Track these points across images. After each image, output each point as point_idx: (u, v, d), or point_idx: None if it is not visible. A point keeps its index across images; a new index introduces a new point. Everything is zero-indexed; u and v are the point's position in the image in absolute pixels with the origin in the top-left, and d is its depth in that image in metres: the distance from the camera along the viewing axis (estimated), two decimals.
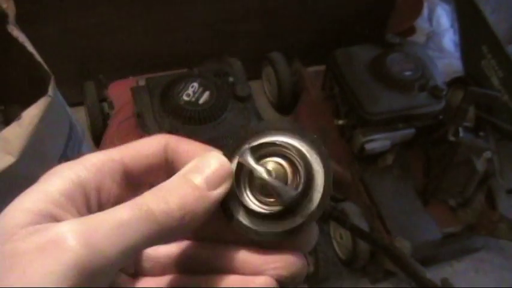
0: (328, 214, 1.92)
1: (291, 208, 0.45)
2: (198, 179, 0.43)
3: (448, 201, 2.28)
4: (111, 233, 0.37)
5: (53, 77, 1.44)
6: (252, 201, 0.46)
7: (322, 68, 2.48)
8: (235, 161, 0.46)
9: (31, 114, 1.29)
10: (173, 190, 0.42)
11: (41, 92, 1.38)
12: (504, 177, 2.38)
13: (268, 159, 0.46)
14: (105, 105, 2.29)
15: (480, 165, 2.16)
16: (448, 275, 2.26)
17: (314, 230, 0.49)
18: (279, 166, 0.46)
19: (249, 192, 0.47)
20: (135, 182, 0.48)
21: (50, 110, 1.35)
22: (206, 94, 1.92)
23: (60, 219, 0.39)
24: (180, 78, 1.97)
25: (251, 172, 0.46)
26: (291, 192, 0.44)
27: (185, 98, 1.91)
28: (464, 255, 2.38)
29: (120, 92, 2.19)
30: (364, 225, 2.03)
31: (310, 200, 0.45)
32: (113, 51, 2.46)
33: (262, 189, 0.46)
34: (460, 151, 2.14)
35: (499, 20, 2.58)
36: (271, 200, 0.46)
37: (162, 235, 0.40)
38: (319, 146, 0.46)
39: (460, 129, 2.14)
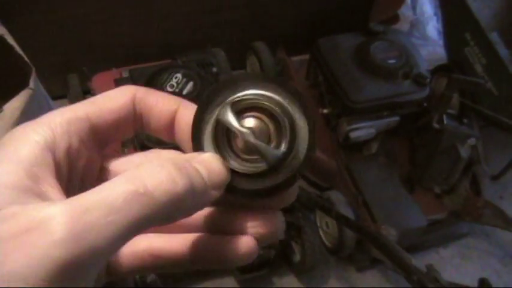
0: (314, 203, 1.93)
1: (275, 167, 0.43)
2: (203, 172, 0.40)
3: (434, 188, 2.30)
4: (104, 223, 0.32)
5: (34, 70, 1.43)
6: (233, 160, 0.44)
7: (306, 57, 2.48)
8: (213, 116, 0.43)
9: (12, 107, 1.29)
10: (182, 170, 0.38)
11: (22, 85, 1.37)
12: (488, 164, 2.40)
13: (248, 113, 0.44)
14: (89, 97, 2.27)
15: (464, 152, 2.17)
16: (435, 261, 2.27)
17: (294, 186, 0.45)
18: (260, 122, 0.44)
19: (229, 150, 0.44)
20: (103, 139, 0.44)
21: (31, 103, 1.34)
22: (190, 85, 1.91)
23: (39, 194, 0.35)
24: (163, 69, 1.96)
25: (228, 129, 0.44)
26: (276, 152, 0.42)
27: (169, 89, 1.90)
28: (450, 241, 2.40)
29: (104, 83, 2.17)
30: (350, 214, 2.04)
31: (295, 156, 0.43)
32: (96, 43, 2.45)
33: (245, 148, 0.44)
34: (445, 138, 2.15)
35: (482, 7, 2.59)
36: (254, 157, 0.44)
37: (159, 216, 0.36)
38: (300, 98, 0.44)
39: (444, 117, 2.16)
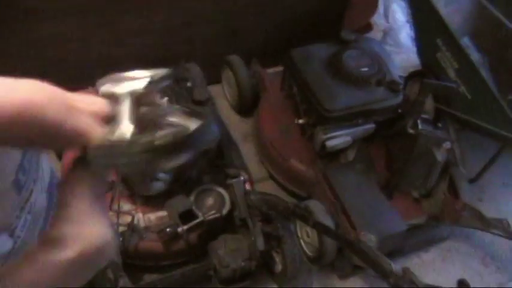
0: (292, 212, 1.93)
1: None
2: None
3: (412, 193, 2.32)
4: None
5: None
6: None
7: (280, 68, 2.50)
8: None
9: None
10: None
11: None
12: (466, 166, 2.42)
13: None
14: None
15: (440, 155, 2.19)
16: (416, 265, 2.29)
17: None
18: None
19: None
20: None
21: None
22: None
23: None
24: None
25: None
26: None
27: None
28: (430, 245, 2.41)
29: None
30: (329, 222, 2.05)
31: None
32: (71, 61, 2.45)
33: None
34: (420, 143, 2.17)
35: (453, 13, 2.62)
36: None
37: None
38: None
39: (419, 122, 2.18)
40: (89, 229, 0.48)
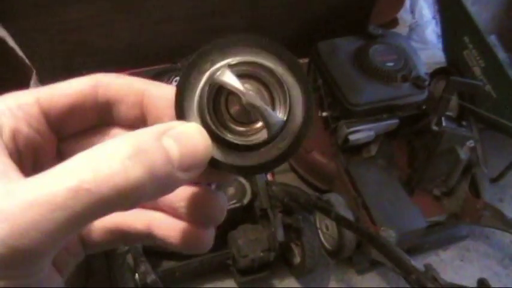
0: (314, 205, 1.93)
1: (275, 136, 0.39)
2: (174, 151, 0.35)
3: (433, 191, 2.31)
4: (45, 220, 0.31)
5: (34, 72, 1.45)
6: (227, 132, 0.39)
7: (306, 60, 2.49)
8: (200, 82, 0.39)
9: None
10: (139, 155, 0.34)
11: (23, 87, 1.38)
12: (488, 166, 2.41)
13: (242, 80, 0.38)
14: None
15: (463, 154, 2.18)
16: (435, 263, 2.26)
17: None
18: (256, 89, 0.39)
19: (217, 121, 0.39)
20: (58, 124, 0.41)
21: None
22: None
23: None
24: (163, 73, 1.97)
25: (217, 94, 0.39)
26: (279, 119, 0.38)
27: None
28: (449, 243, 2.41)
29: None
30: (349, 216, 2.05)
31: (288, 131, 0.39)
32: (97, 46, 2.46)
33: (239, 116, 0.40)
34: (444, 140, 2.16)
35: (480, 11, 2.61)
36: (245, 128, 0.40)
37: (98, 212, 0.33)
38: (297, 67, 0.40)
39: (443, 119, 2.16)
40: None
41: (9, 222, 0.30)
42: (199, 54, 0.39)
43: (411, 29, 3.02)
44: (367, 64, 2.19)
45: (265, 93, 0.39)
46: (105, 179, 0.32)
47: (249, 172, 0.40)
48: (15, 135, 0.38)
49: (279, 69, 0.39)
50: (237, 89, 0.37)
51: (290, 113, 0.39)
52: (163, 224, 0.44)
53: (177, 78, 1.92)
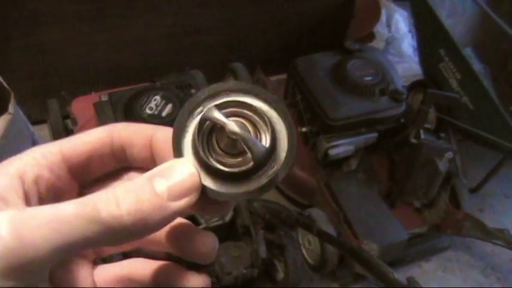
0: (295, 220, 1.94)
1: (259, 166, 0.42)
2: (162, 186, 0.40)
3: (413, 203, 2.32)
4: (46, 227, 0.35)
5: (12, 94, 1.44)
6: (216, 162, 0.43)
7: (284, 76, 2.51)
8: (194, 123, 0.43)
9: None
10: (130, 193, 0.39)
11: (1, 110, 1.38)
12: (467, 177, 2.43)
13: (229, 118, 0.43)
14: (69, 121, 2.28)
15: (442, 165, 2.20)
16: (417, 275, 2.28)
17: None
18: (242, 125, 0.43)
19: (211, 152, 0.43)
20: (81, 173, 0.46)
21: (11, 128, 1.35)
22: (169, 106, 1.93)
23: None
24: (142, 92, 1.97)
25: (210, 133, 0.43)
26: (263, 146, 0.42)
27: (148, 111, 1.91)
28: (432, 255, 2.42)
29: (83, 107, 2.18)
30: (331, 230, 2.05)
31: (276, 159, 0.43)
32: (74, 67, 2.46)
33: (228, 148, 0.43)
34: (423, 153, 2.18)
35: (455, 24, 2.63)
36: (236, 160, 0.43)
37: (108, 238, 0.38)
38: (279, 104, 0.44)
39: (422, 132, 2.19)
40: None
41: (16, 232, 0.35)
42: (192, 99, 0.44)
43: (388, 42, 3.05)
44: (345, 79, 2.20)
45: (251, 129, 0.43)
46: (105, 208, 0.38)
47: (240, 198, 0.43)
48: (37, 180, 0.42)
49: (263, 107, 0.44)
50: (220, 120, 0.41)
51: (275, 144, 0.43)
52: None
53: (156, 97, 1.93)
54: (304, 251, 2.24)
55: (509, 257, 2.41)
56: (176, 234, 0.48)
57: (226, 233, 2.03)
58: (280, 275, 2.09)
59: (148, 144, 0.47)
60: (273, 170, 0.43)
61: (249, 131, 0.43)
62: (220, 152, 0.44)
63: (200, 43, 2.60)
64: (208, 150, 0.43)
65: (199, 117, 0.43)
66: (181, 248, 0.48)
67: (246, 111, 0.44)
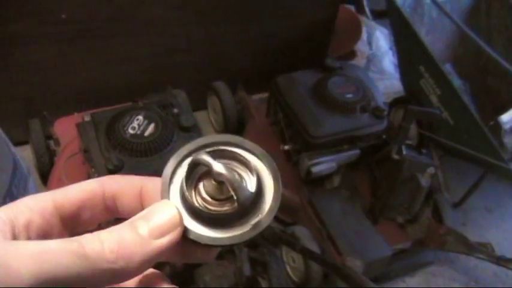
0: (279, 238, 1.94)
1: (244, 210, 0.43)
2: (143, 227, 0.42)
3: (396, 219, 2.33)
4: (29, 257, 0.36)
5: None
6: (201, 203, 0.45)
7: (266, 95, 2.53)
8: (183, 170, 0.45)
9: None
10: (114, 233, 0.41)
11: None
12: (449, 192, 2.45)
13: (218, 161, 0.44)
14: (51, 142, 2.28)
15: (424, 181, 2.21)
16: None
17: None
18: (229, 168, 0.44)
19: (197, 195, 0.45)
20: (72, 222, 0.47)
21: None
22: (151, 126, 1.93)
23: None
24: (124, 112, 1.97)
25: (198, 179, 0.45)
26: (248, 190, 0.43)
27: (130, 131, 1.92)
28: (416, 270, 2.43)
29: (65, 128, 2.18)
30: (315, 248, 2.05)
31: (259, 209, 0.44)
32: (56, 88, 2.45)
33: (215, 191, 0.45)
34: (405, 169, 2.19)
35: (435, 40, 2.67)
36: (221, 207, 0.44)
37: (92, 275, 0.38)
38: (266, 157, 0.46)
39: (403, 148, 2.20)
40: None
41: (5, 262, 0.35)
42: (182, 149, 0.46)
43: (369, 60, 3.08)
44: (326, 96, 2.22)
45: (238, 176, 0.45)
46: (77, 247, 0.38)
47: (222, 243, 0.44)
48: (28, 225, 0.43)
49: (251, 158, 0.46)
50: (208, 162, 0.43)
51: (260, 192, 0.45)
52: None
53: (139, 117, 1.94)
54: (288, 269, 2.24)
55: (492, 271, 2.42)
56: (144, 283, 0.49)
57: None
58: None
59: (138, 195, 0.48)
60: (257, 218, 0.44)
61: (236, 175, 0.44)
62: (207, 197, 0.45)
63: (182, 62, 2.61)
64: (195, 195, 0.45)
65: (186, 165, 0.45)
66: None
67: (234, 161, 0.46)
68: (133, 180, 0.48)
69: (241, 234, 0.44)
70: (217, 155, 0.45)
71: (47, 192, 0.46)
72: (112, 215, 0.49)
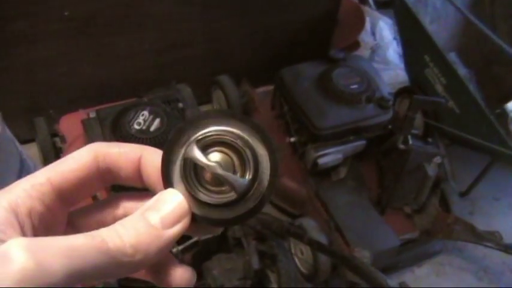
0: (286, 230, 1.94)
1: (243, 194, 0.45)
2: (155, 218, 0.44)
3: (404, 209, 2.33)
4: (61, 253, 0.37)
5: (0, 113, 1.44)
6: (203, 193, 0.46)
7: (270, 87, 2.52)
8: (180, 155, 0.46)
9: None
10: (129, 227, 0.42)
11: None
12: (456, 181, 2.44)
13: (213, 148, 0.46)
14: (57, 139, 2.28)
15: (431, 170, 2.21)
16: (410, 280, 2.29)
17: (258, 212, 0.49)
18: (225, 156, 0.46)
19: (198, 184, 0.46)
20: (69, 198, 0.47)
21: None
22: (157, 121, 1.93)
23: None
24: (130, 108, 1.97)
25: (195, 165, 0.45)
26: (243, 181, 0.44)
27: (136, 126, 1.92)
28: (424, 260, 2.43)
29: (71, 125, 2.18)
30: (323, 239, 2.05)
31: (260, 183, 0.45)
32: (61, 85, 2.46)
33: (213, 180, 0.45)
34: (411, 158, 2.19)
35: (439, 29, 2.66)
36: (223, 188, 0.46)
37: (113, 269, 0.41)
38: (259, 129, 0.46)
39: (409, 137, 2.19)
40: None
41: (33, 256, 0.36)
42: (177, 130, 0.46)
43: (373, 50, 3.07)
44: (331, 88, 2.22)
45: (234, 157, 0.46)
46: (101, 243, 0.40)
47: (229, 223, 0.47)
48: (31, 213, 0.43)
49: (245, 133, 0.46)
50: (201, 162, 0.44)
51: (257, 172, 0.45)
52: None
53: (144, 112, 1.94)
54: (297, 261, 2.24)
55: (500, 259, 2.42)
56: (156, 265, 0.50)
57: (218, 245, 2.03)
58: (274, 286, 2.08)
59: (136, 168, 0.48)
60: (259, 193, 0.45)
61: (231, 162, 0.46)
62: (207, 182, 0.46)
63: (185, 57, 2.61)
64: (196, 181, 0.46)
65: (184, 148, 0.45)
66: (160, 279, 0.49)
67: (228, 139, 0.45)
68: (130, 151, 0.48)
69: (246, 212, 0.45)
70: (210, 138, 0.45)
71: (40, 173, 0.46)
72: (109, 183, 0.49)
